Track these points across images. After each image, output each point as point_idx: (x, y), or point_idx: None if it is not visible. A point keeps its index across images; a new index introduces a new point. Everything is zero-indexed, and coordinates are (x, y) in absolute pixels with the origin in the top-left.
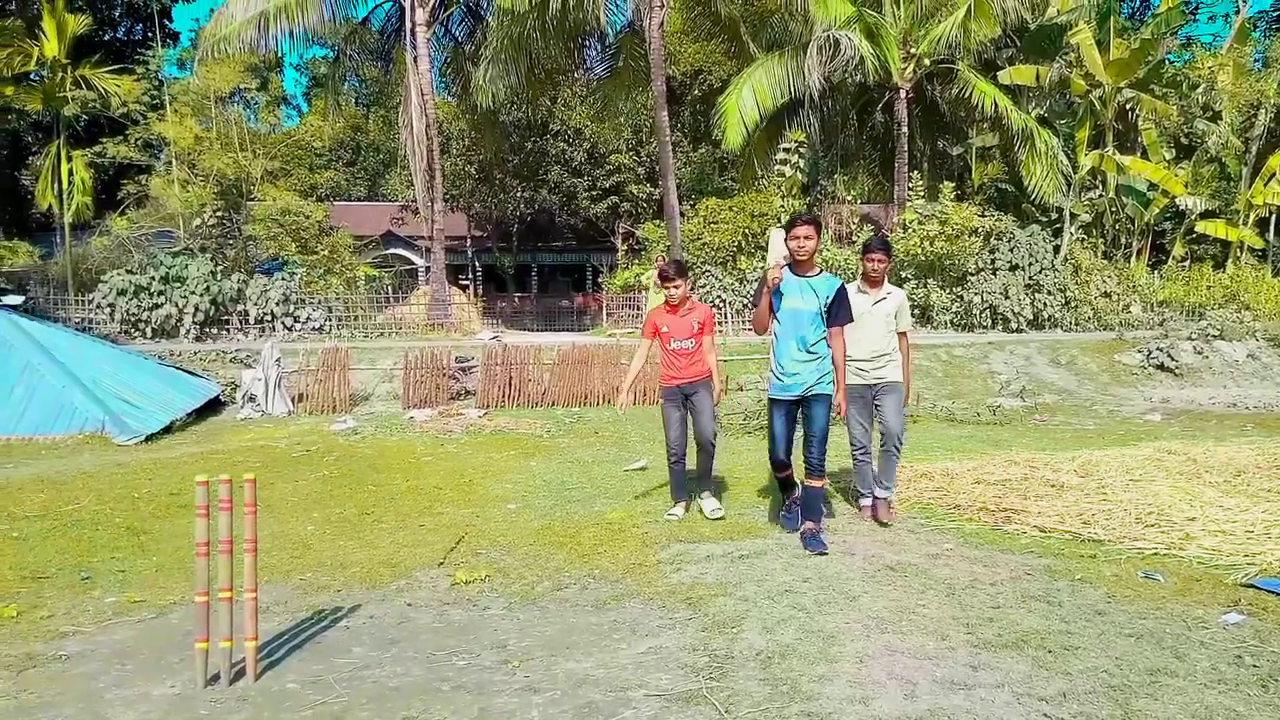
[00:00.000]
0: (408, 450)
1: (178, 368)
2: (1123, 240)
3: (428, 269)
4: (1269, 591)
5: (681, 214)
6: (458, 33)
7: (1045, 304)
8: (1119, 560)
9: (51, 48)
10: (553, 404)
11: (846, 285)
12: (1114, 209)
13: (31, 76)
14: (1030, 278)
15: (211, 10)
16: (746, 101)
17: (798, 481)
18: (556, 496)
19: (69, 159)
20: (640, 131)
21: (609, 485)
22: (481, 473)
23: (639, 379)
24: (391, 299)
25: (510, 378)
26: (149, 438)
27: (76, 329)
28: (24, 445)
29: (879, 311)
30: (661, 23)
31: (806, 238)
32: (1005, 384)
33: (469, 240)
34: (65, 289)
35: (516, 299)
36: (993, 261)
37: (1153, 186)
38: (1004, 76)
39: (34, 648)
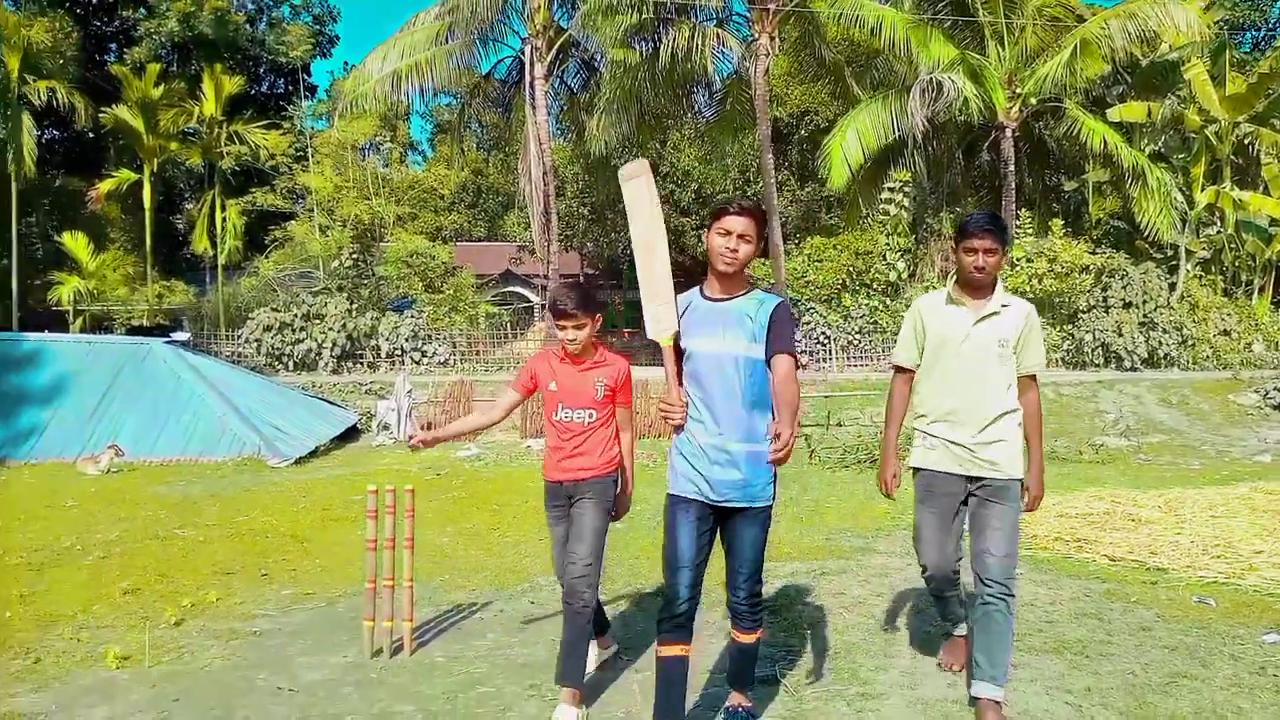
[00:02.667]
0: (526, 475)
1: (319, 398)
2: (1243, 277)
3: (542, 306)
4: None
5: (786, 252)
6: (573, 83)
7: (1160, 342)
8: (1178, 586)
9: (210, 107)
10: (657, 435)
11: (922, 299)
12: (1233, 245)
13: (188, 132)
14: (1145, 315)
15: (345, 63)
16: (850, 143)
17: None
18: (659, 518)
19: (223, 207)
20: (746, 171)
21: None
22: None
23: (467, 434)
24: (510, 335)
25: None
26: (297, 461)
27: (228, 361)
28: (191, 466)
29: (987, 339)
30: (766, 70)
31: (742, 237)
32: (1113, 423)
33: (581, 278)
34: (216, 325)
35: (625, 334)
36: (1105, 299)
37: (1275, 223)
38: (1114, 114)
39: (234, 625)
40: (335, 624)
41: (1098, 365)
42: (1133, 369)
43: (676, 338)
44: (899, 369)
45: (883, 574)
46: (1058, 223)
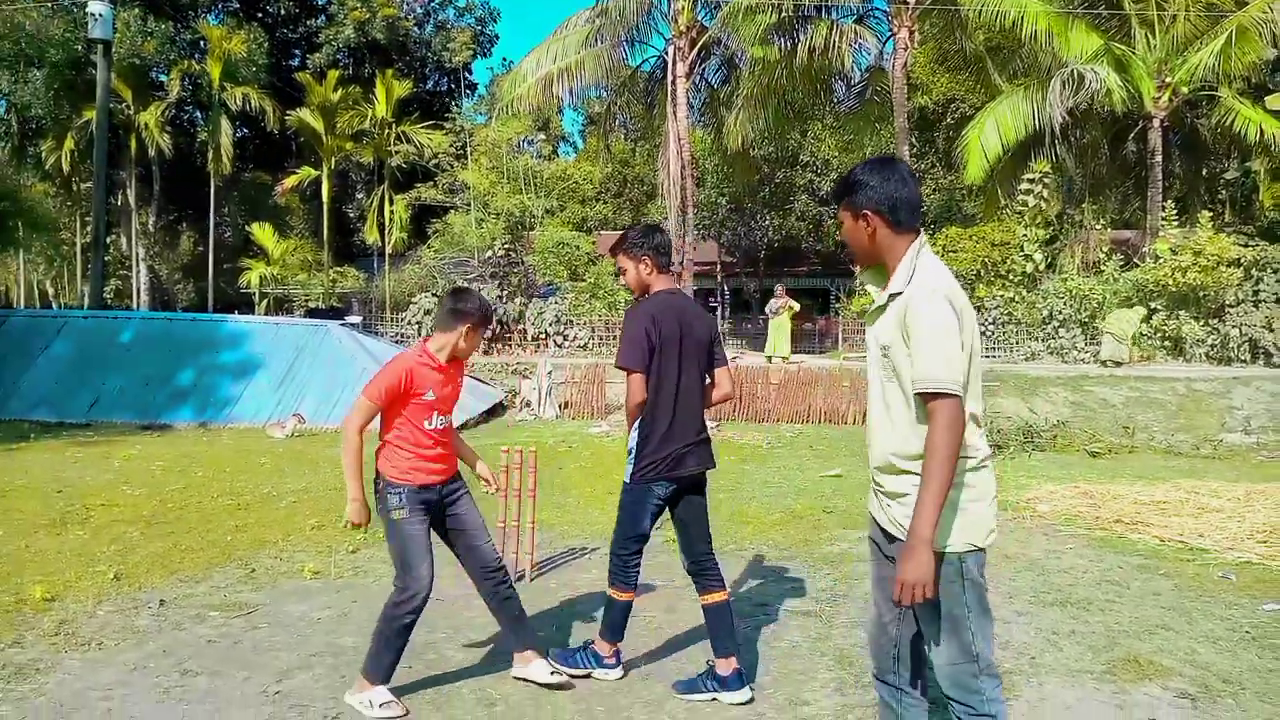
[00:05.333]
0: None
1: (471, 376)
2: None
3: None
4: None
5: None
6: (713, 80)
7: None
8: (1209, 564)
9: (381, 109)
10: (777, 420)
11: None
12: None
13: (361, 132)
14: None
15: (504, 59)
16: (989, 134)
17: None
18: (757, 490)
19: (391, 201)
20: None
21: (804, 486)
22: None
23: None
24: None
25: (741, 394)
26: None
27: (391, 342)
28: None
29: (871, 343)
30: (905, 64)
31: (622, 271)
32: (1246, 420)
33: (719, 266)
34: (383, 308)
35: (760, 320)
36: (1256, 293)
37: None
38: (1273, 102)
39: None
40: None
41: (1244, 361)
42: None
43: None
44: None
45: None
46: (1206, 214)
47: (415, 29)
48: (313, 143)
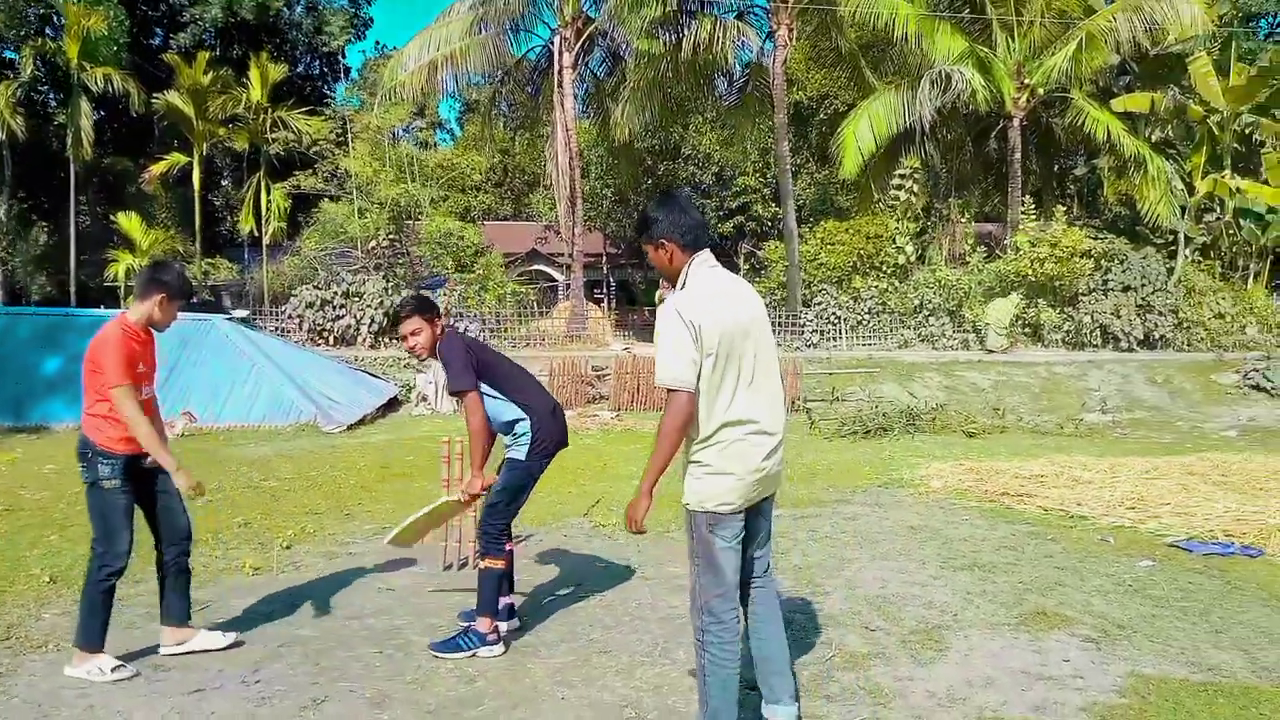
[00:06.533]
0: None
1: (363, 370)
2: (1240, 263)
3: (567, 285)
4: (1184, 549)
5: (800, 236)
6: (598, 71)
7: (1156, 324)
8: (1089, 529)
9: (255, 93)
10: None
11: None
12: (1231, 232)
13: (234, 117)
14: (1142, 299)
15: (378, 43)
16: (864, 131)
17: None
18: (672, 477)
19: (268, 189)
20: (766, 154)
21: None
22: (613, 460)
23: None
24: (536, 313)
25: (639, 385)
26: (349, 427)
27: (273, 336)
28: (254, 431)
29: None
30: (784, 60)
31: (414, 333)
32: (1102, 401)
33: (604, 257)
34: (261, 301)
35: (646, 312)
36: (1105, 283)
37: (1272, 210)
38: (1118, 104)
39: (332, 549)
40: (413, 548)
41: (1096, 346)
42: (1129, 350)
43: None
44: None
45: (852, 519)
46: (1060, 209)
47: (285, 10)
48: (183, 128)
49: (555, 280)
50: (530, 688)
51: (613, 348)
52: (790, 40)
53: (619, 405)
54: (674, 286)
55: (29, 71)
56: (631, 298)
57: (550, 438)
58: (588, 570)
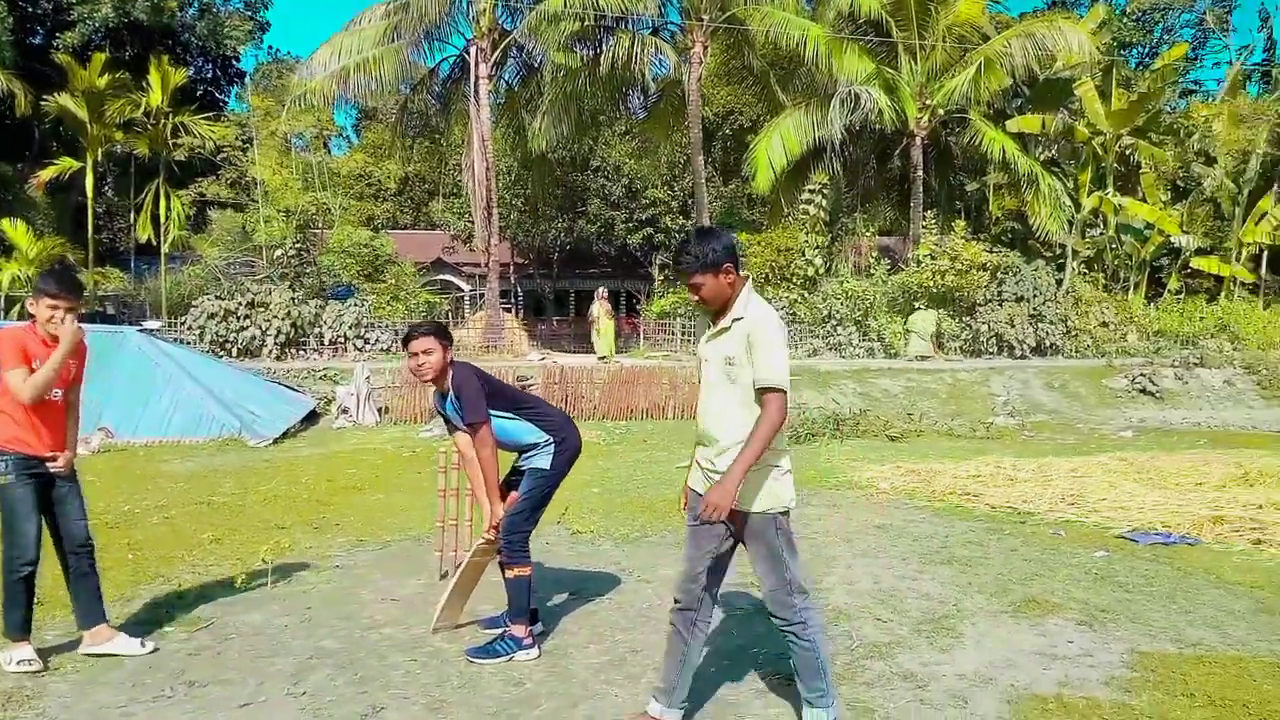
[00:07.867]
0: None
1: (279, 383)
2: (1122, 275)
3: (472, 295)
4: (1131, 540)
5: None
6: (513, 81)
7: (1047, 332)
8: (1039, 524)
9: (156, 98)
10: (603, 418)
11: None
12: (1114, 246)
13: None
14: (1034, 309)
15: (270, 47)
16: (775, 147)
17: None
18: (626, 483)
19: (168, 197)
20: (675, 167)
21: (666, 476)
22: None
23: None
24: (450, 323)
25: (566, 395)
26: (275, 441)
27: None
28: (173, 446)
29: (716, 357)
30: (699, 76)
31: (425, 352)
32: (1004, 404)
33: (512, 267)
34: (158, 313)
35: (555, 322)
36: (999, 293)
37: (1150, 226)
38: (1012, 125)
39: (315, 562)
40: (398, 559)
41: (992, 353)
42: (1022, 357)
43: None
44: None
45: (818, 519)
46: (960, 223)
47: (180, 11)
48: (76, 132)
49: (463, 290)
50: (581, 686)
51: (530, 357)
52: (705, 57)
53: None
54: (718, 309)
55: None
56: (540, 308)
57: (574, 445)
58: (584, 576)
